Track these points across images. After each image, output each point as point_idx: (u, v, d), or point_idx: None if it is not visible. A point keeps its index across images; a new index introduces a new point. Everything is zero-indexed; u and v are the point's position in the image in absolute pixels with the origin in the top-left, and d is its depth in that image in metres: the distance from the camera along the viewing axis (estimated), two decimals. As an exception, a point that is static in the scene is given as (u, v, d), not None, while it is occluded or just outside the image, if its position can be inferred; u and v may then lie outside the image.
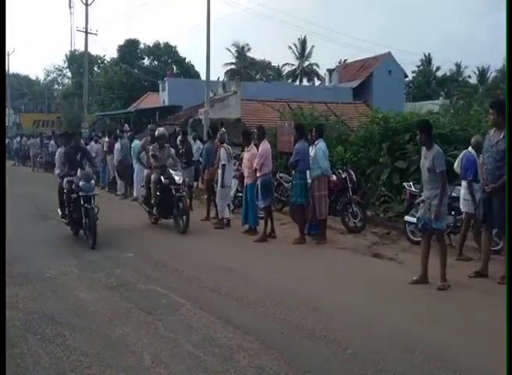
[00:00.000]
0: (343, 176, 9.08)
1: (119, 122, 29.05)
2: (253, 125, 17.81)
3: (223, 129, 9.99)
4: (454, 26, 78.00)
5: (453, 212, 7.35)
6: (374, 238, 8.26)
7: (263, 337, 4.19)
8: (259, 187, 8.20)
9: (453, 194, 7.38)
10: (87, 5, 27.84)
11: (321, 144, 8.12)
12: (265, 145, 8.41)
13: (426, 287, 5.64)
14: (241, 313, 4.79)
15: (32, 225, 9.43)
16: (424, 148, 5.85)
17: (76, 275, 6.15)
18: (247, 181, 8.60)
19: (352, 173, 9.26)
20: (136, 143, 12.40)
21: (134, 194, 12.21)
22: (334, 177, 9.01)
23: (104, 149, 15.06)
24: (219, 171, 9.17)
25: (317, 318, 4.64)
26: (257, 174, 8.25)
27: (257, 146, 8.50)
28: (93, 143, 16.72)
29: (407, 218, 7.81)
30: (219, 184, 9.16)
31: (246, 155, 8.66)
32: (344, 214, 8.86)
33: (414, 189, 7.98)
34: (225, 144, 9.27)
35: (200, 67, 46.38)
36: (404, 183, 8.46)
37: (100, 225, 7.55)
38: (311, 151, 8.11)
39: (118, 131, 15.01)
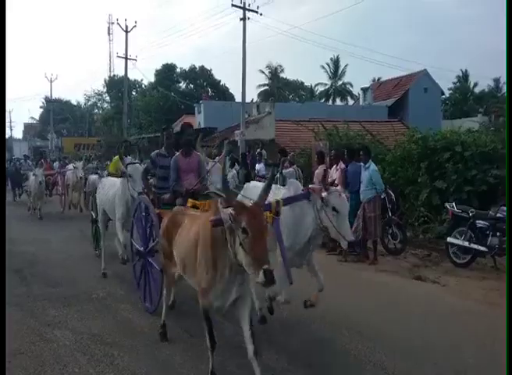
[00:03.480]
0: (382, 196, 9.02)
1: (156, 144, 29.74)
2: (287, 146, 17.96)
3: (263, 150, 10.13)
4: (490, 39, 76.70)
5: (498, 234, 7.19)
6: (415, 260, 8.15)
7: (307, 360, 4.19)
8: None
9: (498, 215, 7.22)
10: (126, 31, 29.02)
11: (373, 166, 8.32)
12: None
13: (474, 310, 5.52)
14: (284, 335, 4.80)
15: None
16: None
17: (120, 295, 6.31)
18: None
19: (391, 193, 9.19)
20: None
21: None
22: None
23: None
24: None
25: (361, 342, 4.60)
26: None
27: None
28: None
29: (450, 239, 7.69)
30: None
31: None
32: (384, 235, 8.78)
33: (456, 209, 7.85)
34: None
35: (234, 89, 47.22)
36: (446, 204, 8.32)
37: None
38: (364, 172, 8.21)
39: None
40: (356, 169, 8.48)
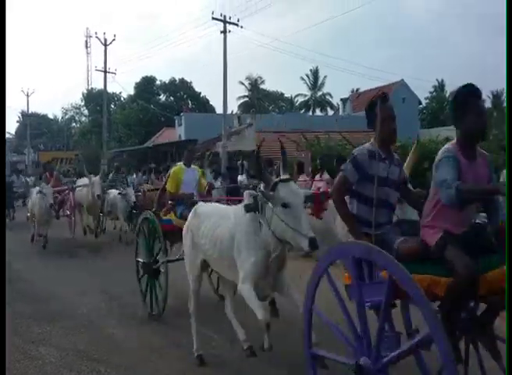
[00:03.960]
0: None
1: (136, 158, 29.64)
2: (269, 157, 18.01)
3: (244, 161, 10.17)
4: (465, 50, 78.73)
5: (478, 239, 7.32)
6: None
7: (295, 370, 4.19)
8: None
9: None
10: (105, 45, 28.90)
11: None
12: None
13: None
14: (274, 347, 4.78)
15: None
16: None
17: (105, 311, 6.22)
18: None
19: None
20: None
21: None
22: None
23: None
24: None
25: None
26: None
27: None
28: None
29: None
30: None
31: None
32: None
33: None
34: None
35: (215, 101, 47.37)
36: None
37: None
38: None
39: None
40: None
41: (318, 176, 9.19)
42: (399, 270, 2.48)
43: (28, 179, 18.11)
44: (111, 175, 12.93)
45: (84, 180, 11.76)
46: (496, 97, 46.08)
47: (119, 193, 11.07)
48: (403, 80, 35.56)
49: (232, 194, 11.94)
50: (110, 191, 11.41)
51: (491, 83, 77.26)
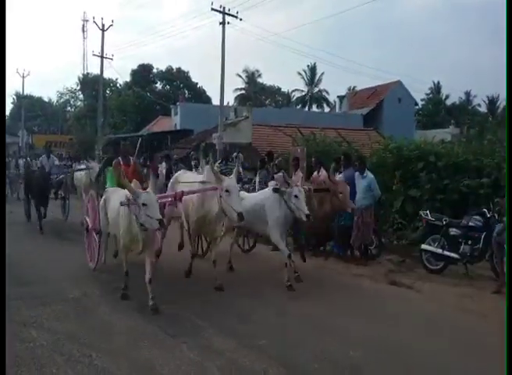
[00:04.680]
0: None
1: (131, 144, 29.45)
2: (264, 150, 18.03)
3: (240, 154, 10.19)
4: (463, 54, 78.84)
5: (469, 242, 7.40)
6: (390, 266, 8.30)
7: (288, 363, 4.24)
8: None
9: (470, 224, 7.44)
10: (103, 30, 28.57)
11: (370, 174, 8.64)
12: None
13: (449, 316, 5.66)
14: (265, 338, 4.83)
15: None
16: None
17: (97, 296, 6.22)
18: None
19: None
20: None
21: None
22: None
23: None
24: None
25: (337, 345, 4.68)
26: None
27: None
28: None
29: (424, 246, 7.88)
30: None
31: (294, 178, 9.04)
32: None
33: (430, 217, 8.05)
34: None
35: (211, 92, 47.19)
36: (420, 212, 8.50)
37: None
38: (361, 181, 8.52)
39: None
40: (351, 175, 8.72)
41: (315, 173, 9.32)
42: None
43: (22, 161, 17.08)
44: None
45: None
46: (491, 102, 46.36)
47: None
48: (399, 80, 35.61)
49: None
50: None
51: (487, 87, 77.68)
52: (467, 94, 47.59)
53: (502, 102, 45.76)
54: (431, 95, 47.78)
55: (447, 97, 47.52)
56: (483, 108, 46.61)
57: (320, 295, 6.41)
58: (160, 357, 4.31)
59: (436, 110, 44.91)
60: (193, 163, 13.22)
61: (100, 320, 5.32)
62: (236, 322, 5.29)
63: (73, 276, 7.11)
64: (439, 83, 48.14)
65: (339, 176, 8.82)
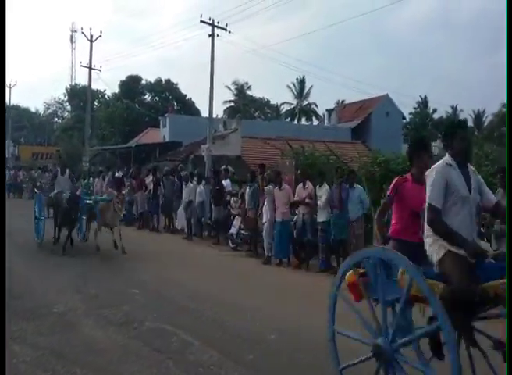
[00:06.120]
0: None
1: (119, 156, 29.33)
2: (253, 163, 18.05)
3: (229, 167, 10.24)
4: (449, 69, 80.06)
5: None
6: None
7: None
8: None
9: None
10: (91, 41, 28.48)
11: (359, 186, 9.15)
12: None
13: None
14: (249, 351, 4.79)
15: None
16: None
17: (82, 311, 6.13)
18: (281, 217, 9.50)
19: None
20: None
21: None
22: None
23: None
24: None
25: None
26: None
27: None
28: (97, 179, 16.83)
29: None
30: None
31: (279, 193, 9.59)
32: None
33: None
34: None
35: (200, 104, 47.16)
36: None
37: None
38: (351, 193, 8.96)
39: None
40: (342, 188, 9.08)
41: (300, 185, 9.44)
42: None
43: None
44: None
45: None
46: (477, 117, 47.05)
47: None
48: (387, 94, 36.05)
49: (217, 198, 11.98)
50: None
51: (473, 101, 78.88)
52: (454, 108, 48.28)
53: (488, 117, 46.53)
54: (418, 109, 48.36)
55: (434, 111, 48.16)
56: (470, 123, 47.27)
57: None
58: (145, 373, 4.25)
59: (423, 124, 45.42)
60: (182, 174, 13.24)
61: (84, 335, 5.23)
62: (221, 335, 5.25)
63: (58, 289, 7.00)
64: (426, 97, 48.80)
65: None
